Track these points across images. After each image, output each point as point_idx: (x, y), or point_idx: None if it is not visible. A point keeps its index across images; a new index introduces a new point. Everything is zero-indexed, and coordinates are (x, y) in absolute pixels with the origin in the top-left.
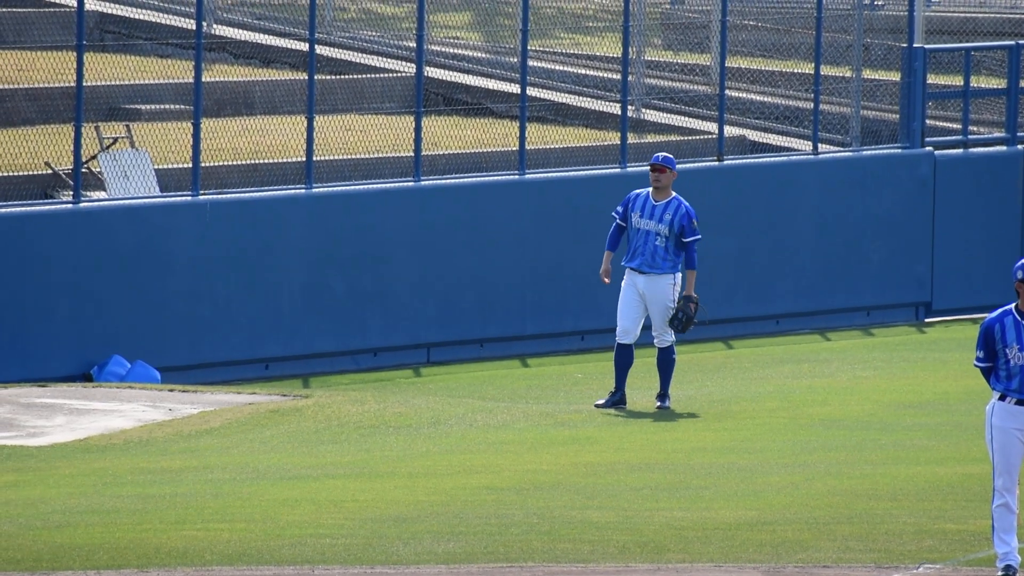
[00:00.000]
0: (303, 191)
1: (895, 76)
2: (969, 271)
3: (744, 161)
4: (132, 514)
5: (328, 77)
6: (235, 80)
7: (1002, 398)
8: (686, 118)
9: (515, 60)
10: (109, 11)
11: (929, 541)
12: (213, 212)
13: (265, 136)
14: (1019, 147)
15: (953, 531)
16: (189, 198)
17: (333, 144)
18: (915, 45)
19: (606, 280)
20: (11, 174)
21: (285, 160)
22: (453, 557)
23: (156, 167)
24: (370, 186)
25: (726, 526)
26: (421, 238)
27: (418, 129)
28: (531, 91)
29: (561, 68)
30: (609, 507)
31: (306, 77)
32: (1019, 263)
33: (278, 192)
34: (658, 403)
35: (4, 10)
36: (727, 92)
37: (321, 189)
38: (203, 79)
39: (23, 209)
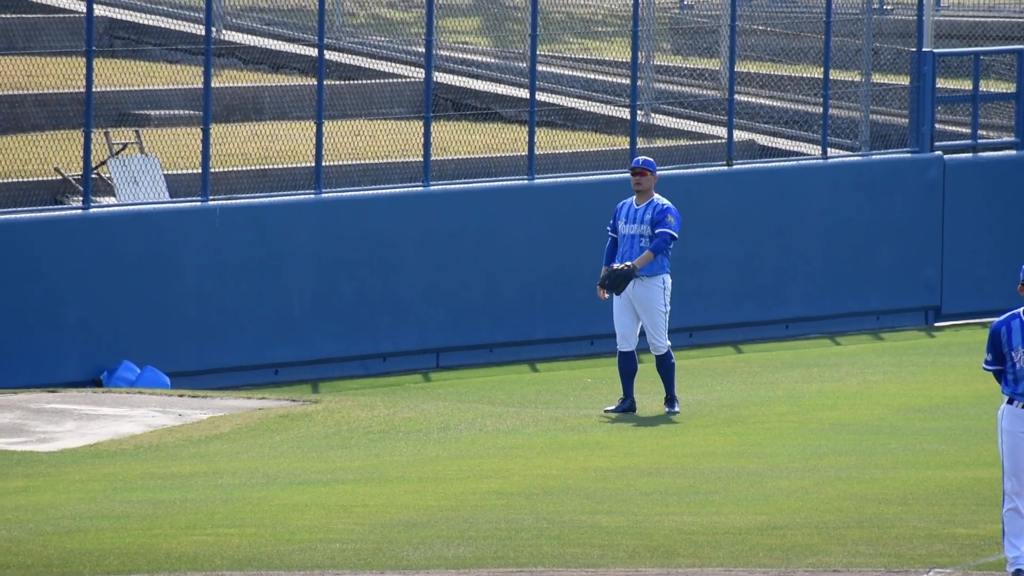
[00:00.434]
0: (312, 196)
1: (904, 80)
2: (979, 275)
3: (753, 165)
4: (142, 519)
5: (337, 82)
6: (244, 85)
7: (1010, 401)
8: (695, 122)
9: (524, 65)
10: (118, 17)
11: (939, 545)
12: (222, 218)
13: (274, 141)
14: None
15: (963, 535)
16: (199, 204)
17: (342, 149)
18: (924, 49)
19: (604, 295)
20: (21, 180)
21: (294, 165)
22: (463, 562)
23: (166, 173)
24: (379, 191)
25: (736, 530)
26: (430, 243)
27: (427, 134)
28: (540, 96)
29: (570, 73)
30: (619, 511)
31: (315, 82)
32: None
33: (287, 197)
34: (667, 409)
35: (14, 16)
36: (736, 96)
37: (330, 194)
38: (212, 84)
39: (33, 215)
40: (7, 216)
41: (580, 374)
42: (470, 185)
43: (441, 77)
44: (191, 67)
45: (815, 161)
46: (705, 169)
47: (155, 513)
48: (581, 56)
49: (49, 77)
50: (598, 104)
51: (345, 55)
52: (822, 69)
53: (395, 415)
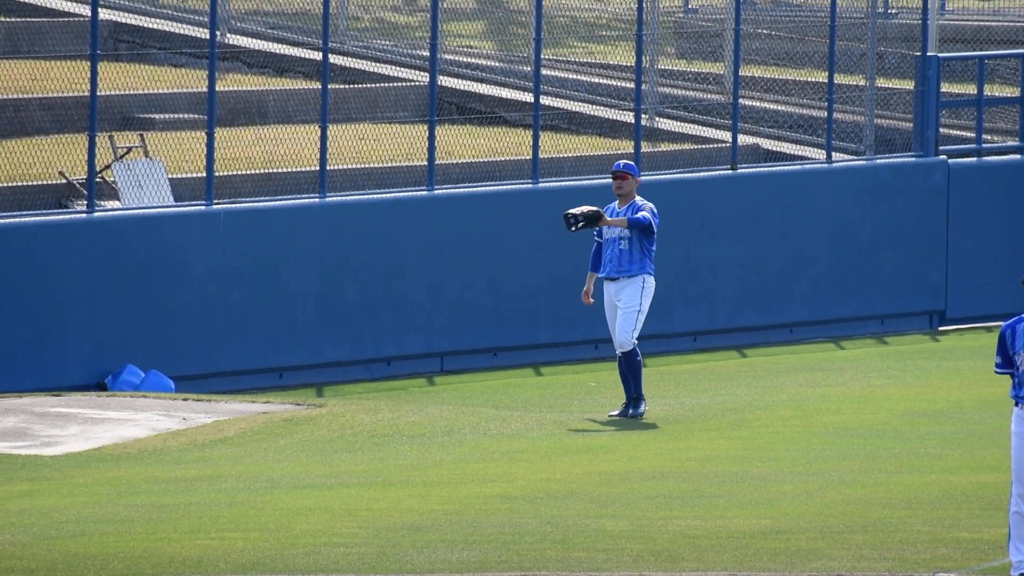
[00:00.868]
0: (317, 200)
1: (909, 85)
2: (983, 279)
3: (758, 170)
4: (146, 523)
5: (341, 86)
6: (249, 89)
7: (1016, 404)
8: (700, 127)
9: (528, 69)
10: (123, 20)
11: (943, 550)
12: (227, 221)
13: (279, 145)
14: None
15: (967, 540)
16: (203, 207)
17: (347, 153)
18: (929, 54)
19: (588, 301)
20: (25, 183)
21: (299, 169)
22: (467, 566)
23: (170, 176)
24: (384, 195)
25: (740, 535)
26: (435, 247)
27: (432, 138)
28: (545, 100)
29: (574, 77)
30: (623, 516)
31: (320, 86)
32: None
33: (292, 201)
34: (630, 411)
35: (18, 20)
36: (741, 101)
37: (335, 198)
38: (217, 88)
39: (37, 219)
40: (11, 220)
41: (584, 378)
42: (474, 189)
43: (445, 81)
44: (195, 71)
45: (819, 165)
46: (709, 173)
47: (159, 517)
48: (585, 60)
49: (53, 81)
50: (602, 108)
51: (349, 59)
52: (826, 73)
53: (399, 419)
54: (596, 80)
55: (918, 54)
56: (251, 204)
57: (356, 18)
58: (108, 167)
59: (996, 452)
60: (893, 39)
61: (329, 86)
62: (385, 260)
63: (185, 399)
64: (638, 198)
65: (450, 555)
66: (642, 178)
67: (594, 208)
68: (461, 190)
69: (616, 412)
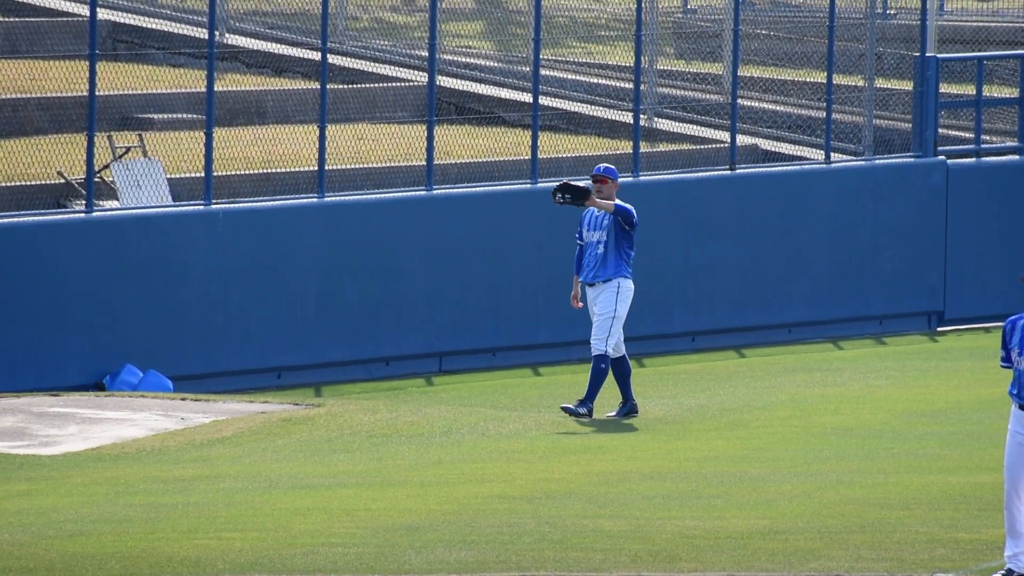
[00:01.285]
0: (315, 200)
1: (907, 85)
2: (982, 280)
3: (756, 170)
4: (144, 523)
5: (340, 86)
6: (247, 89)
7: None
8: (698, 127)
9: (527, 69)
10: (122, 20)
11: (941, 550)
12: (225, 221)
13: (277, 145)
14: None
15: (965, 540)
16: (201, 207)
17: (345, 153)
18: (927, 54)
19: (576, 305)
20: (24, 183)
21: (297, 169)
22: (465, 566)
23: (168, 176)
24: (382, 195)
25: (738, 535)
26: (433, 247)
27: (430, 138)
28: (543, 100)
29: (573, 77)
30: (621, 516)
31: (318, 86)
32: None
33: (290, 201)
34: (574, 404)
35: (17, 19)
36: (739, 101)
37: (333, 198)
38: (215, 88)
39: (36, 218)
40: (10, 219)
41: (583, 378)
42: (473, 189)
43: (444, 81)
44: (194, 71)
45: (818, 166)
46: (708, 174)
47: (157, 517)
48: (584, 60)
49: (52, 81)
50: (601, 108)
51: (348, 59)
52: (825, 74)
53: (398, 419)
54: (595, 80)
55: (917, 55)
56: (250, 204)
57: (355, 18)
58: (107, 167)
59: (994, 453)
60: (892, 40)
61: (328, 86)
62: (384, 260)
63: (183, 399)
64: (618, 201)
65: (448, 555)
66: (643, 178)
67: (585, 187)
68: (460, 190)
69: (613, 413)
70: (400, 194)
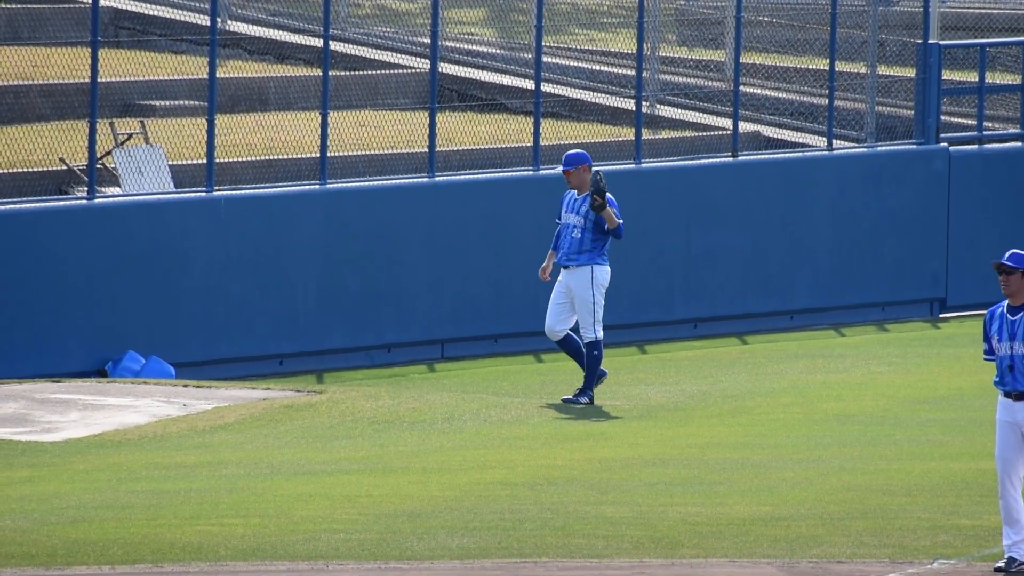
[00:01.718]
0: (317, 187)
1: (910, 72)
2: (983, 267)
3: (759, 157)
4: (146, 509)
5: (342, 73)
6: (249, 76)
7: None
8: (700, 114)
9: (529, 56)
10: (124, 7)
11: (943, 536)
12: (227, 208)
13: (279, 132)
14: None
15: (967, 527)
16: (203, 194)
17: (347, 140)
18: (930, 41)
19: (545, 277)
20: (26, 170)
21: (299, 156)
22: (467, 552)
23: (170, 163)
24: (384, 182)
25: (740, 521)
26: (435, 234)
27: (432, 125)
28: (545, 87)
29: (575, 64)
30: (623, 502)
31: (320, 73)
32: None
33: (292, 188)
34: (573, 395)
35: (19, 6)
36: (742, 88)
37: (335, 185)
38: (217, 75)
39: (38, 205)
40: (12, 206)
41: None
42: (475, 176)
43: (446, 68)
44: (196, 57)
45: (821, 153)
46: (710, 160)
47: (159, 503)
48: (586, 47)
49: (54, 67)
50: (603, 95)
51: (350, 46)
52: (828, 61)
53: (399, 405)
54: (597, 67)
55: (919, 41)
56: (252, 191)
57: (357, 5)
58: (109, 153)
59: (996, 439)
60: (894, 27)
61: (330, 73)
62: (386, 247)
63: (185, 385)
64: (620, 222)
65: (450, 541)
66: (644, 165)
67: (603, 200)
68: (462, 177)
69: (570, 397)
70: (402, 181)
